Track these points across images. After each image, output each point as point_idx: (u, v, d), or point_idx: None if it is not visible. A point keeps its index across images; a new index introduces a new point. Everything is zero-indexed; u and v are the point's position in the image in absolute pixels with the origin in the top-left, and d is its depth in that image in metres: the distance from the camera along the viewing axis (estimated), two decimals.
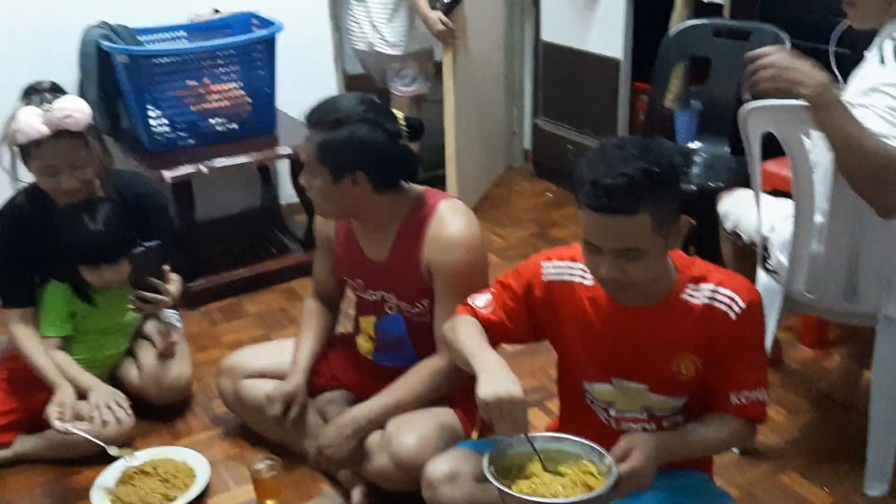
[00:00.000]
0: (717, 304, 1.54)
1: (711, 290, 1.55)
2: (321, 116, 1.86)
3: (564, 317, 1.66)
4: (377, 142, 1.84)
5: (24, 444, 2.24)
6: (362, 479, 1.96)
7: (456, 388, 1.95)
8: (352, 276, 2.11)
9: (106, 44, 2.80)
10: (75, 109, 2.09)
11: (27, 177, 2.19)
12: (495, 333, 1.66)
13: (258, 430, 2.25)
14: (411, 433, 1.86)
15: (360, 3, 3.40)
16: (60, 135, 2.08)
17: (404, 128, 1.91)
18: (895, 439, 1.98)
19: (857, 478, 2.02)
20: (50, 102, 2.08)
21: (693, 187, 2.66)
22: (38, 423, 2.23)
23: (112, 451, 2.08)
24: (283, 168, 3.53)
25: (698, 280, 1.57)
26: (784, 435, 2.23)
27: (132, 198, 2.33)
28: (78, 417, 2.16)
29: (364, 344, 2.17)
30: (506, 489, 1.43)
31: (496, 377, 1.49)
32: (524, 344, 1.78)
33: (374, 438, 1.94)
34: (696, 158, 2.93)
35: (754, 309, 1.55)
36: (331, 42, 3.54)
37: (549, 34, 3.77)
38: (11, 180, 2.19)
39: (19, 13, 2.91)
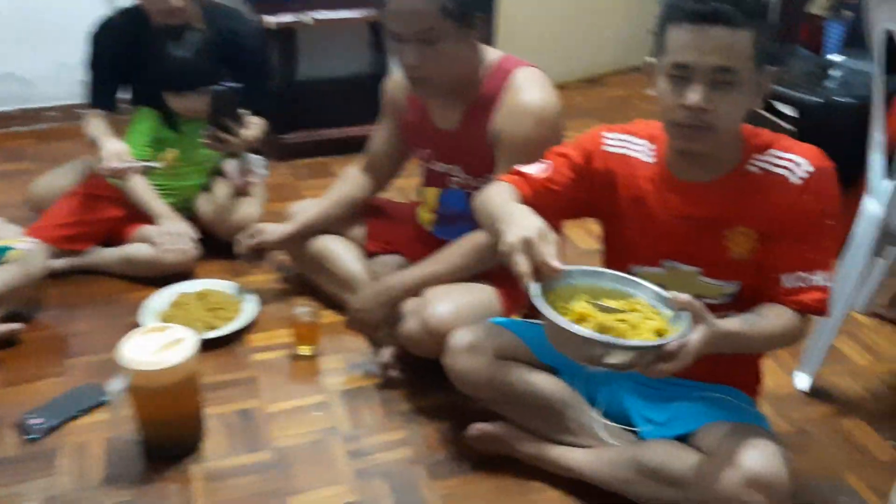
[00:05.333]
0: (777, 170, 1.40)
1: (774, 156, 1.41)
2: None
3: (620, 193, 1.54)
4: None
5: (96, 255, 2.34)
6: (395, 340, 1.93)
7: (500, 266, 1.87)
8: (420, 145, 2.04)
9: None
10: None
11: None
12: (545, 200, 1.53)
13: (313, 281, 2.25)
14: (446, 302, 1.81)
15: None
16: None
17: None
18: None
19: None
20: None
21: (818, 99, 2.39)
22: (112, 239, 2.35)
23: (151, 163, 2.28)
24: None
25: (764, 148, 1.42)
26: (862, 380, 2.02)
27: (227, 32, 2.36)
28: (144, 240, 2.28)
29: (425, 215, 2.12)
30: (561, 320, 1.26)
31: (520, 220, 1.37)
32: (573, 219, 1.66)
33: (409, 303, 1.90)
34: (834, 72, 2.62)
35: (822, 176, 1.39)
36: None
37: None
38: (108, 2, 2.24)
39: None
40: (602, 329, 1.29)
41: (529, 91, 1.80)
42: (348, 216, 2.19)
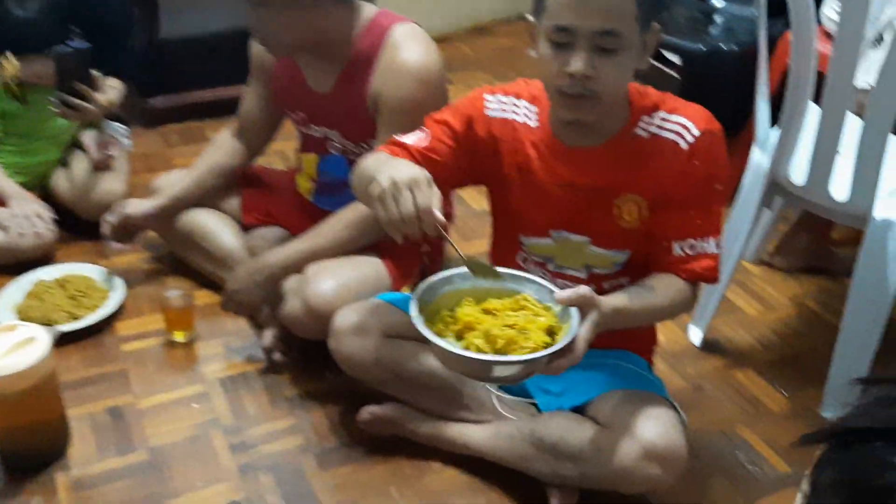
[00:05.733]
0: (665, 133, 1.34)
1: (662, 119, 1.34)
2: None
3: (505, 160, 1.45)
4: None
5: None
6: (277, 321, 1.81)
7: (386, 237, 1.76)
8: (293, 108, 1.89)
9: None
10: None
11: None
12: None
13: (185, 259, 2.09)
14: (328, 279, 1.69)
15: None
16: None
17: None
18: (865, 359, 1.73)
19: (820, 390, 1.81)
20: None
21: (702, 47, 2.36)
22: None
23: None
24: None
25: (651, 110, 1.35)
26: (752, 330, 2.03)
27: None
28: None
29: (304, 183, 1.99)
30: (443, 343, 1.17)
31: (404, 166, 1.23)
32: (457, 188, 1.56)
33: (291, 281, 1.77)
34: (717, 18, 2.60)
35: (710, 139, 1.33)
36: None
37: None
38: None
39: None
40: (489, 338, 1.20)
41: (408, 50, 1.68)
42: (221, 186, 2.03)
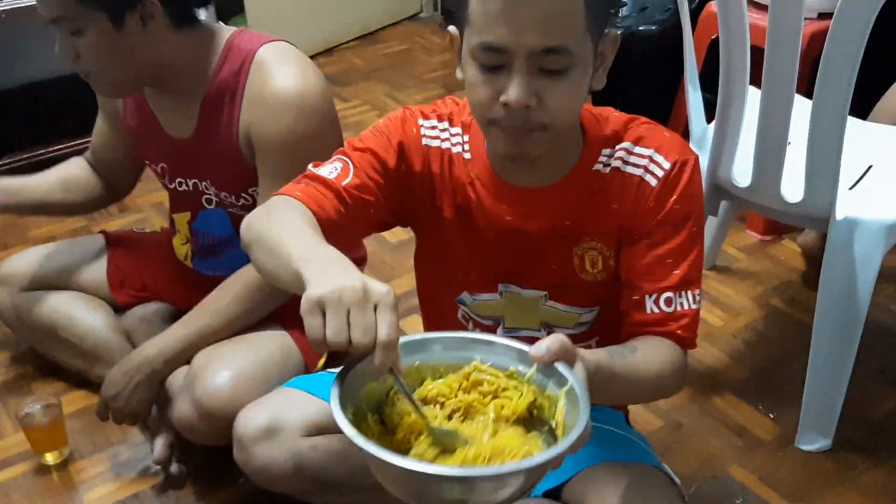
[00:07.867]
0: (629, 169, 1.07)
1: (625, 151, 1.07)
2: None
3: (441, 202, 1.14)
4: None
5: None
6: (169, 424, 1.47)
7: (290, 302, 1.44)
8: (152, 160, 1.57)
9: None
10: None
11: None
12: (350, 217, 1.06)
13: (50, 357, 1.72)
14: (222, 370, 1.36)
15: None
16: None
17: None
18: (839, 386, 1.50)
19: None
20: None
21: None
22: None
23: None
24: None
25: (613, 140, 1.08)
26: (720, 344, 1.80)
27: None
28: None
29: (181, 247, 1.66)
30: (376, 452, 0.76)
31: (337, 270, 0.85)
32: (379, 231, 1.23)
33: (178, 376, 1.45)
34: None
35: (685, 172, 1.06)
36: None
37: None
38: None
39: None
40: (463, 456, 0.83)
41: (279, 74, 1.37)
42: (69, 206, 1.69)
